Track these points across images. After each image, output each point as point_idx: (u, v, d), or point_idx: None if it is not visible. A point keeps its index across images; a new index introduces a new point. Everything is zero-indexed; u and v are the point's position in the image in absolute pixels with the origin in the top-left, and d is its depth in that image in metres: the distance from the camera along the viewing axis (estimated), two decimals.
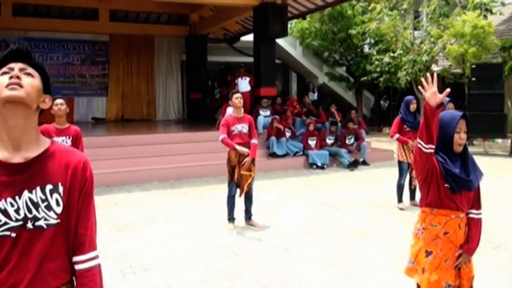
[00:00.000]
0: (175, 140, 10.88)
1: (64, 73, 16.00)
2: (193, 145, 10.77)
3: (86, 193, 1.73)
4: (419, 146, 2.63)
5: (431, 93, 2.56)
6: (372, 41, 19.31)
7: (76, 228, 1.71)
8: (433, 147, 2.61)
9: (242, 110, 6.13)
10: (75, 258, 1.72)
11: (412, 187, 7.25)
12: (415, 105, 7.07)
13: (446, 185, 2.67)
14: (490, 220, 6.14)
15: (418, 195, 6.74)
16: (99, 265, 1.77)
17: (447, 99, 6.98)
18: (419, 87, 2.64)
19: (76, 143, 5.00)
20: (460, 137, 2.66)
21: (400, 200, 7.17)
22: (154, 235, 5.81)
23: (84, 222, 1.73)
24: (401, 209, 7.04)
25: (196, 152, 10.47)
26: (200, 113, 16.54)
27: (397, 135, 7.04)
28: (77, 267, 1.72)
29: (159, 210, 7.06)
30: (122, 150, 9.97)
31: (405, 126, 7.01)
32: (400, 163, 7.16)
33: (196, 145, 10.79)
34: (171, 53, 17.54)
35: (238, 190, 6.10)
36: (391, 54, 16.75)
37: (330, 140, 11.59)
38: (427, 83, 2.59)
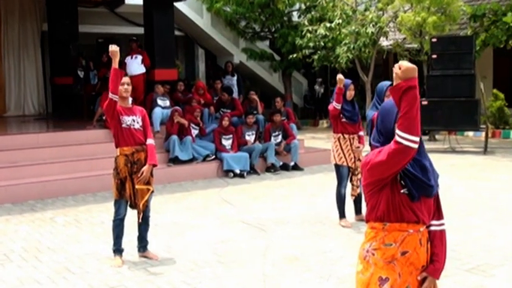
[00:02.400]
0: (36, 144, 10.54)
1: None
2: (62, 150, 10.49)
3: None
4: (402, 140, 2.61)
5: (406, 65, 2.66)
6: (303, 6, 19.80)
7: None
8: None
9: (130, 100, 6.04)
10: None
11: (352, 198, 7.52)
12: (352, 92, 7.32)
13: (404, 191, 2.78)
14: (461, 235, 6.56)
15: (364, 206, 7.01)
16: None
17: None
18: (395, 66, 2.70)
19: None
20: None
21: (342, 215, 7.42)
22: (7, 280, 5.55)
23: None
24: (345, 226, 7.29)
25: (67, 160, 10.21)
26: (70, 105, 16.07)
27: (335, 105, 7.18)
28: None
29: (14, 244, 6.78)
30: None
31: (341, 116, 7.27)
32: (338, 167, 7.38)
33: (67, 150, 10.53)
34: (25, 21, 16.84)
35: (129, 210, 6.00)
36: (328, 25, 17.26)
37: (249, 137, 11.75)
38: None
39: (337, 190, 7.39)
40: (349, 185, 7.44)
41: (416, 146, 2.63)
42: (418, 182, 2.76)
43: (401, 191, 2.77)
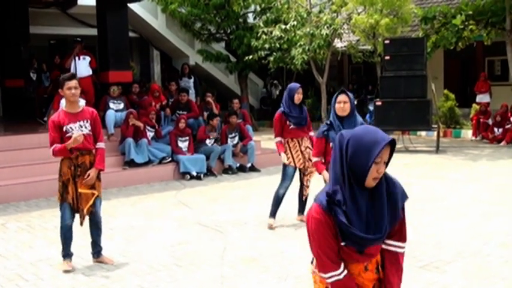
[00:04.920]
0: None
1: None
2: (12, 154, 10.30)
3: None
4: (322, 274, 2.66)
5: None
6: (258, 8, 19.88)
7: None
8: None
9: (80, 102, 5.93)
10: None
11: (304, 197, 7.54)
12: (300, 96, 7.26)
13: (345, 243, 2.60)
14: (415, 233, 6.66)
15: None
16: None
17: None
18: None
19: None
20: (377, 170, 2.55)
21: (272, 214, 7.36)
22: None
23: None
24: (269, 226, 7.26)
25: (18, 164, 10.03)
26: (22, 108, 15.82)
27: (278, 139, 7.30)
28: None
29: None
30: None
31: (288, 122, 7.23)
32: (284, 166, 7.37)
33: (17, 154, 10.34)
34: None
35: (77, 215, 5.89)
36: (283, 27, 17.38)
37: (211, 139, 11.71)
38: None
39: (277, 190, 7.37)
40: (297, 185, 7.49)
41: (330, 280, 2.63)
42: (360, 241, 2.58)
43: (342, 243, 2.61)
